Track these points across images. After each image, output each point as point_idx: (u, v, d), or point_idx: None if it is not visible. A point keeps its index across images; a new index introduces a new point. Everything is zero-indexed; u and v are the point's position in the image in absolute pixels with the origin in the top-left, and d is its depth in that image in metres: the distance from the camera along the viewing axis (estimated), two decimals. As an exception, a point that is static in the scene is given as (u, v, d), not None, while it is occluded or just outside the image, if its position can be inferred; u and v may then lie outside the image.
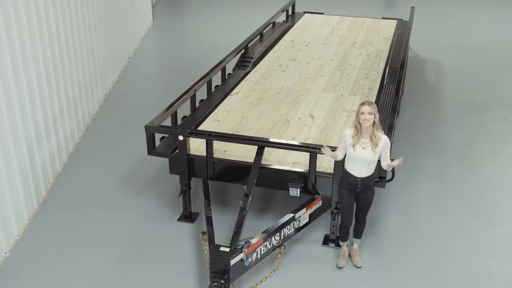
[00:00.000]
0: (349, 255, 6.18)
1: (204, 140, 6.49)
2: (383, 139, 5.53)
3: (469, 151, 8.66)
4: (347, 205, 5.87)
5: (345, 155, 5.67)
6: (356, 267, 6.06)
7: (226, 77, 8.93)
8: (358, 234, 6.10)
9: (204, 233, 6.21)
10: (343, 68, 9.34)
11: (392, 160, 5.66)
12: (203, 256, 6.11)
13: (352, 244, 6.15)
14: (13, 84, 6.45)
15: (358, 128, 5.49)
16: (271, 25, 11.49)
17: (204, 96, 8.20)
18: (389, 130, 6.75)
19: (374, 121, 5.43)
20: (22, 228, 6.68)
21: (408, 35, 10.79)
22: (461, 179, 7.87)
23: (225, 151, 6.72)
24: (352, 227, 6.07)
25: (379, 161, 5.67)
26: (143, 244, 6.49)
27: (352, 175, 5.63)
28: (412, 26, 11.34)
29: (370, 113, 5.40)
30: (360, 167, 5.58)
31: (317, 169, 6.21)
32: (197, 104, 7.90)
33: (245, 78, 8.87)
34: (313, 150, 6.08)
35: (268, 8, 14.22)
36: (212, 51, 12.51)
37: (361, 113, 5.42)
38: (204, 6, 17.61)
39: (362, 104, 5.48)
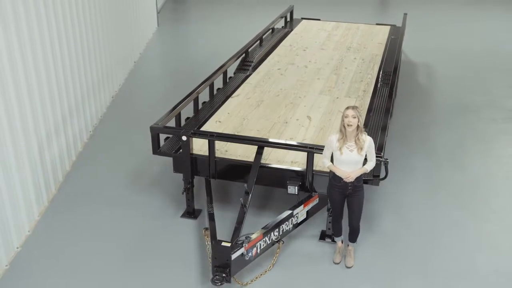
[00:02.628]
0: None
1: (207, 140, 6.49)
2: (367, 141, 5.53)
3: (459, 151, 8.66)
4: (338, 205, 5.87)
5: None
6: (346, 266, 6.03)
7: (228, 80, 8.93)
8: (353, 239, 6.06)
9: (206, 229, 6.21)
10: (339, 72, 9.33)
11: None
12: (206, 251, 6.11)
13: (348, 246, 6.13)
14: (24, 86, 6.45)
15: (343, 131, 5.48)
16: (270, 30, 11.49)
17: (207, 99, 8.20)
18: (382, 130, 6.77)
19: (358, 125, 5.43)
20: (33, 224, 6.68)
21: (401, 40, 10.79)
22: (451, 177, 7.88)
23: (226, 150, 6.72)
24: (345, 225, 6.06)
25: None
26: (148, 239, 6.49)
27: (342, 178, 5.61)
28: (404, 31, 11.35)
29: (354, 117, 5.39)
30: (348, 169, 5.55)
31: (314, 168, 6.20)
32: (200, 106, 7.90)
33: (246, 81, 8.86)
34: (311, 150, 6.08)
35: (267, 14, 14.22)
36: (214, 55, 12.50)
37: (345, 117, 5.42)
38: (206, 13, 17.61)
39: (347, 108, 5.48)
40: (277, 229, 5.90)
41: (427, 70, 12.36)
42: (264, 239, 5.74)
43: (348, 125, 5.41)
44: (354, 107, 5.47)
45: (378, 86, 8.49)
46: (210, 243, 5.75)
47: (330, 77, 9.08)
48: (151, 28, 14.92)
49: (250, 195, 6.05)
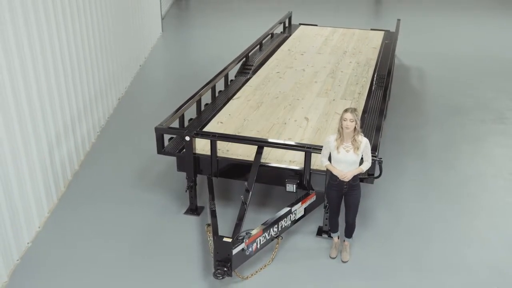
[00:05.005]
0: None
1: (209, 141, 6.49)
2: (364, 142, 5.52)
3: (450, 150, 8.66)
4: (335, 203, 5.87)
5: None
6: (342, 261, 6.03)
7: (229, 83, 8.93)
8: (349, 235, 6.07)
9: (208, 225, 6.21)
10: (335, 75, 9.33)
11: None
12: (208, 246, 6.11)
13: (344, 241, 6.13)
14: (35, 89, 6.45)
15: (340, 131, 5.48)
16: (270, 35, 11.49)
17: (209, 101, 8.20)
18: (377, 131, 6.77)
19: (355, 127, 5.41)
20: (43, 220, 6.68)
21: (394, 45, 10.80)
22: (442, 176, 7.88)
23: (227, 150, 6.72)
24: (341, 221, 6.06)
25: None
26: (153, 235, 6.49)
27: (338, 177, 5.61)
28: (398, 36, 11.35)
29: (351, 121, 5.37)
30: (345, 168, 5.55)
31: (311, 167, 6.21)
32: (202, 108, 7.90)
33: (246, 84, 8.86)
34: (308, 150, 6.08)
35: (266, 20, 14.23)
36: (216, 59, 12.49)
37: (344, 120, 5.40)
38: (208, 19, 17.61)
39: (345, 111, 5.44)
40: (276, 225, 5.90)
41: (419, 73, 12.36)
42: (263, 234, 5.75)
43: (346, 128, 5.40)
44: (352, 110, 5.43)
45: (373, 88, 8.48)
46: (212, 239, 5.75)
47: (327, 80, 9.08)
48: (156, 34, 14.92)
49: (250, 192, 6.05)
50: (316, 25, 12.75)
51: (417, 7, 19.23)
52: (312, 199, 6.28)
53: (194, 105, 7.59)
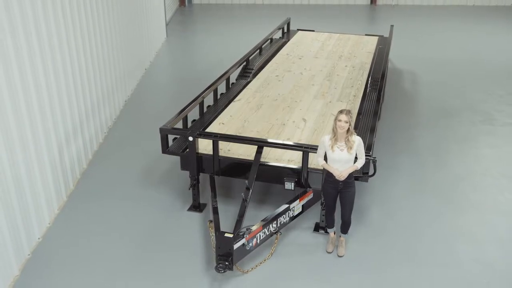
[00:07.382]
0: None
1: (211, 141, 6.50)
2: (357, 141, 5.53)
3: (440, 150, 8.66)
4: (331, 200, 5.87)
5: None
6: (338, 256, 6.03)
7: (230, 86, 8.93)
8: (344, 231, 6.06)
9: (210, 221, 6.22)
10: (332, 78, 9.33)
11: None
12: (210, 241, 6.12)
13: (340, 237, 6.13)
14: (45, 90, 6.46)
15: (335, 131, 5.48)
16: (269, 41, 11.48)
17: (211, 103, 8.20)
18: (371, 132, 6.77)
19: (348, 128, 5.42)
20: (53, 217, 6.69)
21: (388, 50, 10.79)
22: (433, 175, 7.88)
23: (229, 150, 6.72)
24: (337, 217, 6.06)
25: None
26: (158, 231, 6.49)
27: (333, 174, 5.62)
28: (391, 41, 11.35)
29: (345, 122, 5.38)
30: (339, 166, 5.56)
31: (308, 166, 6.21)
32: (205, 109, 7.90)
33: (247, 87, 8.86)
34: (306, 149, 6.08)
35: (266, 26, 14.24)
36: (217, 63, 12.50)
37: (338, 121, 5.41)
38: (211, 25, 17.62)
39: (340, 112, 5.44)
40: (275, 222, 5.91)
41: (412, 77, 12.36)
42: (263, 230, 5.75)
43: (339, 128, 5.41)
44: (347, 112, 5.43)
45: (367, 91, 8.48)
46: (214, 234, 5.76)
47: (324, 83, 9.08)
48: (161, 39, 14.92)
49: (251, 190, 6.05)
50: (313, 31, 12.75)
51: (410, 14, 19.23)
52: (309, 196, 6.28)
53: (197, 107, 7.58)
